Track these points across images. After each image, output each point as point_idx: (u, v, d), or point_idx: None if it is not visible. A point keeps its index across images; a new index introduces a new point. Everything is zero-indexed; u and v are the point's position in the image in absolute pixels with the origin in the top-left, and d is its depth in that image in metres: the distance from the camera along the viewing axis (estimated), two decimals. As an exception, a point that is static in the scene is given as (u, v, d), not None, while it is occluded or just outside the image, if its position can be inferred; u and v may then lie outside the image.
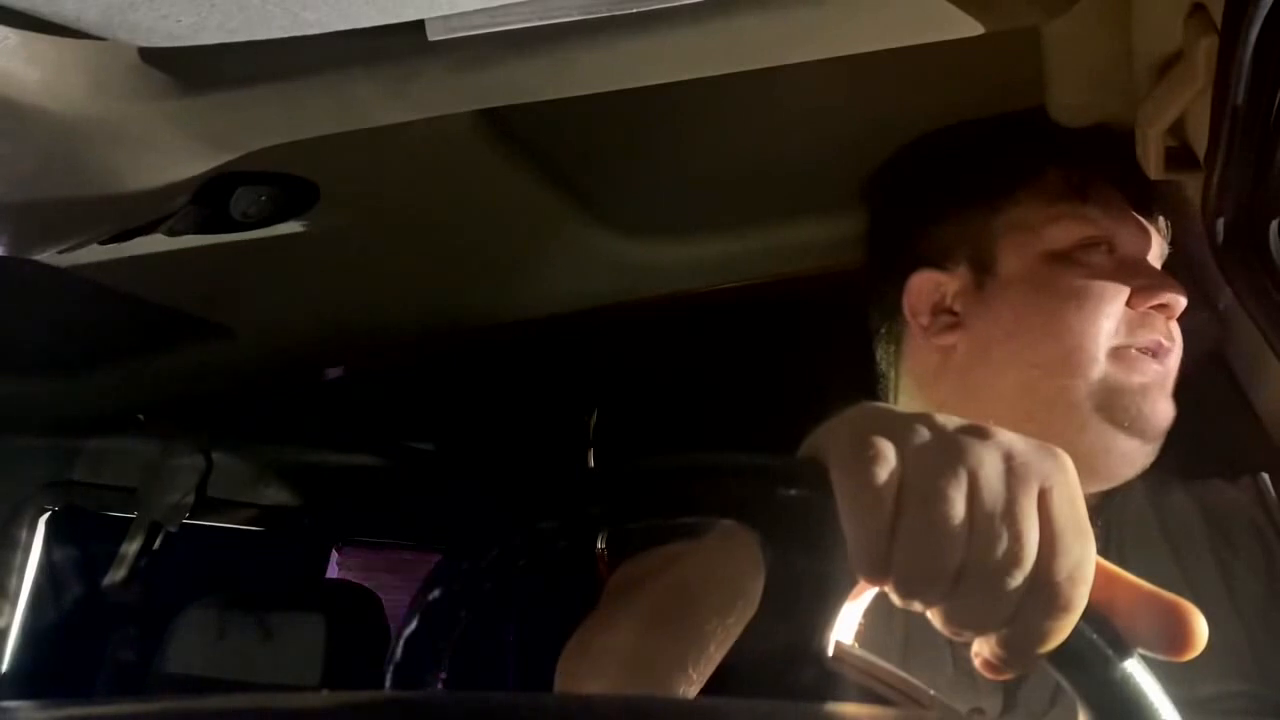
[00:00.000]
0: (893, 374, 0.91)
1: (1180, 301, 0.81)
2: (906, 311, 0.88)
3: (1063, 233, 0.83)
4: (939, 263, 0.87)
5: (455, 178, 0.92)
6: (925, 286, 0.87)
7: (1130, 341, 0.80)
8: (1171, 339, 0.81)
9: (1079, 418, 0.79)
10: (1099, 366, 0.79)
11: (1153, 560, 0.80)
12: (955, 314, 0.86)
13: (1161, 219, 0.87)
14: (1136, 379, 0.79)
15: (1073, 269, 0.81)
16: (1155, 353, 0.80)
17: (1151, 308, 0.81)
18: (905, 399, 0.90)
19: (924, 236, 0.89)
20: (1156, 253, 0.86)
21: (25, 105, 0.60)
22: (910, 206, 0.93)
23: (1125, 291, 0.80)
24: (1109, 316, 0.79)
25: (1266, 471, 0.86)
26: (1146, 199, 0.86)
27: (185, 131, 0.69)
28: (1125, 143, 0.79)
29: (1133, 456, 0.80)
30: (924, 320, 0.87)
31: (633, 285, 1.17)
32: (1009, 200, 0.85)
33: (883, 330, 0.92)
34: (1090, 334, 0.79)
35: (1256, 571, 0.81)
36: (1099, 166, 0.84)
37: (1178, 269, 0.89)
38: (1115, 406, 0.78)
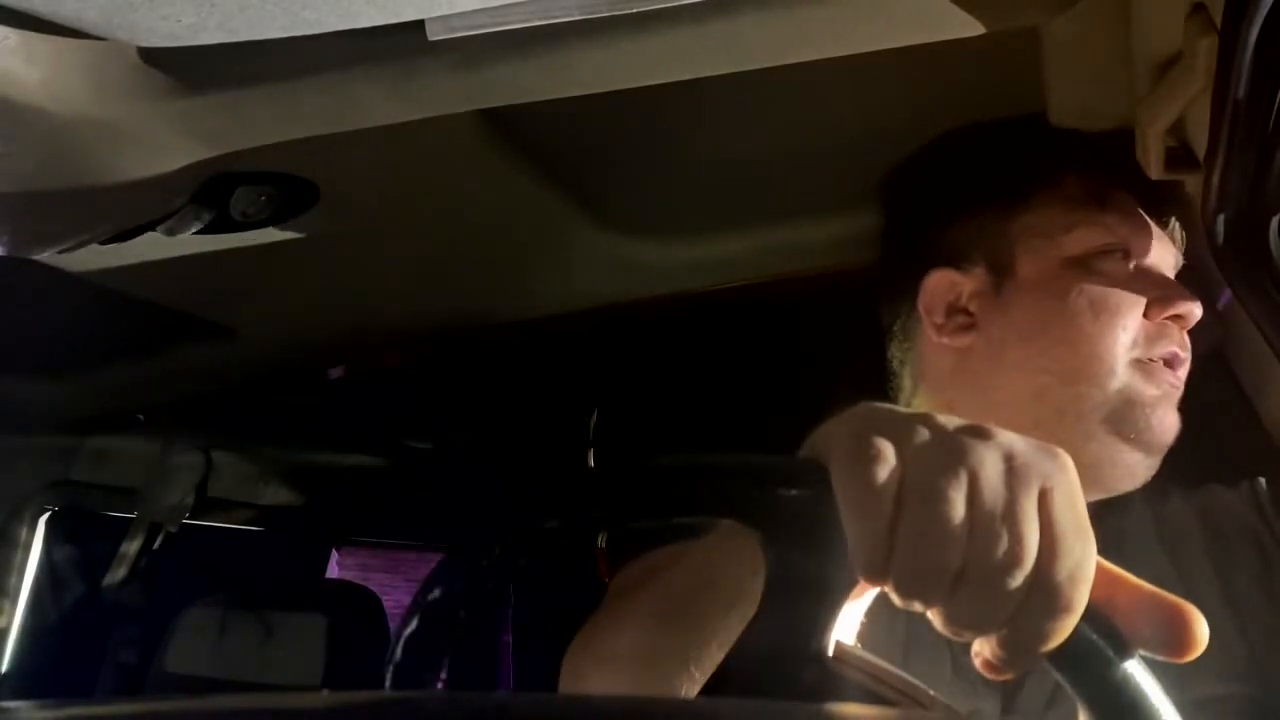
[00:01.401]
0: (904, 373, 0.91)
1: (1196, 312, 0.81)
2: (921, 310, 0.88)
3: (1081, 239, 0.83)
4: (956, 262, 0.87)
5: (455, 178, 0.92)
6: (941, 285, 0.87)
7: (1150, 353, 0.80)
8: (1186, 349, 0.81)
9: (1086, 427, 0.79)
10: (1116, 377, 0.79)
11: (1150, 564, 0.80)
12: (970, 315, 0.86)
13: (1178, 228, 0.87)
14: (1152, 391, 0.79)
15: (1090, 276, 0.81)
16: (1172, 364, 0.80)
17: (1167, 318, 0.81)
18: (914, 398, 0.90)
19: (941, 236, 0.89)
20: (1171, 262, 0.86)
21: (25, 105, 0.60)
22: (928, 206, 0.93)
23: (1142, 302, 0.81)
24: (1126, 328, 0.80)
25: (1264, 475, 0.86)
26: (1163, 207, 0.86)
27: (185, 131, 0.69)
28: None
29: (1134, 469, 0.80)
30: (938, 319, 0.87)
31: (633, 285, 1.17)
32: (1028, 205, 0.85)
33: (895, 328, 0.92)
34: (1107, 343, 0.79)
35: (1253, 576, 0.81)
36: (1118, 173, 0.84)
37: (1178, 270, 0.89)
38: (1125, 419, 0.79)
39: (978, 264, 0.86)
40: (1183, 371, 0.81)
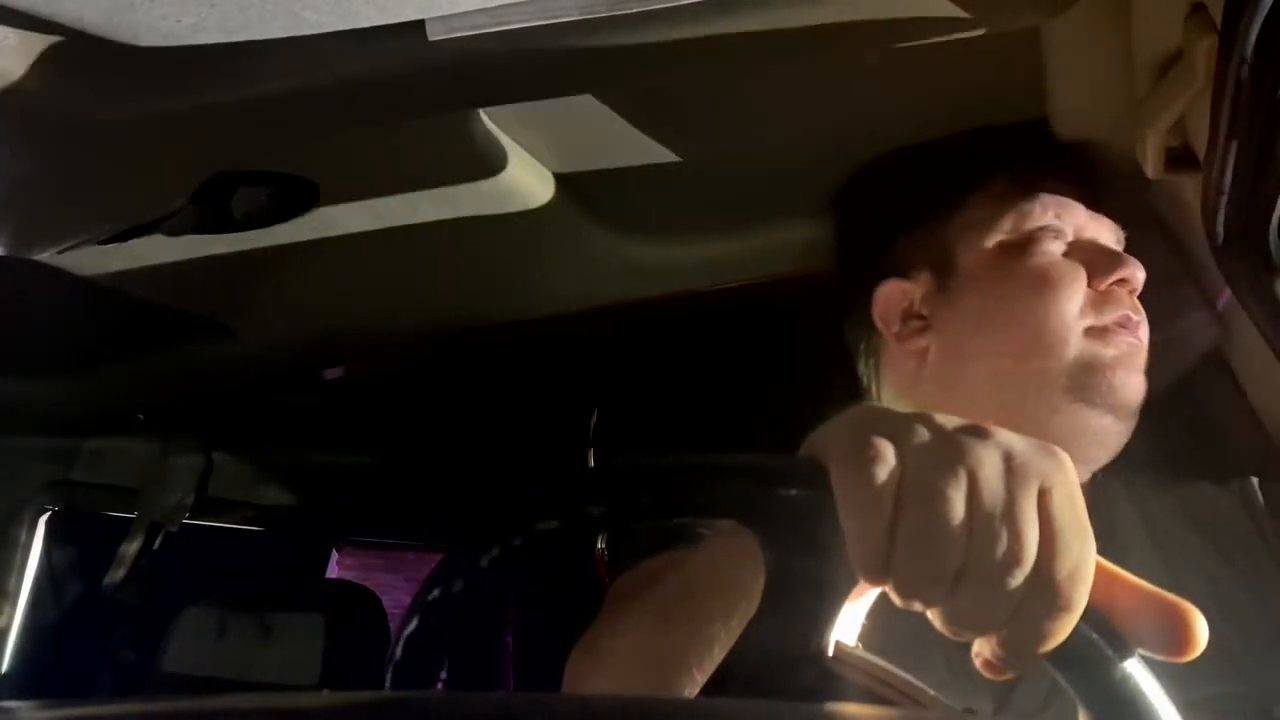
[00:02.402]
0: (872, 387, 0.93)
1: (1139, 275, 0.82)
2: (878, 322, 0.90)
3: (1013, 224, 0.85)
4: (903, 272, 0.89)
5: (455, 178, 0.92)
6: (893, 295, 0.89)
7: (1100, 320, 0.81)
8: (1139, 312, 0.82)
9: (1050, 400, 0.80)
10: (1071, 346, 0.80)
11: (1143, 562, 0.80)
12: (924, 318, 0.88)
13: (1119, 222, 0.88)
14: (1110, 352, 0.80)
15: (1027, 256, 0.83)
16: (1126, 325, 0.81)
17: (1112, 284, 0.81)
18: (890, 407, 0.90)
19: (886, 250, 0.91)
20: (1111, 237, 0.88)
21: (25, 105, 0.60)
22: (871, 222, 0.96)
23: (1082, 271, 0.82)
24: (1071, 298, 0.81)
25: (1257, 474, 0.87)
26: (1100, 200, 0.88)
27: (185, 132, 0.69)
28: (1077, 151, 0.85)
29: (1105, 436, 0.81)
30: (895, 328, 0.89)
31: (633, 285, 1.17)
32: (963, 205, 0.88)
33: (861, 346, 0.94)
34: (1055, 315, 0.80)
35: (1244, 575, 0.81)
36: (1046, 166, 0.87)
37: (1178, 269, 0.89)
38: (1086, 384, 0.79)
39: (923, 269, 0.89)
40: (1142, 332, 0.83)
